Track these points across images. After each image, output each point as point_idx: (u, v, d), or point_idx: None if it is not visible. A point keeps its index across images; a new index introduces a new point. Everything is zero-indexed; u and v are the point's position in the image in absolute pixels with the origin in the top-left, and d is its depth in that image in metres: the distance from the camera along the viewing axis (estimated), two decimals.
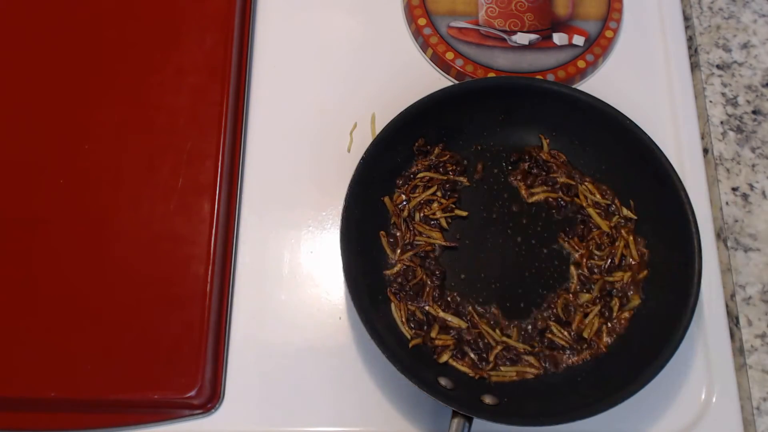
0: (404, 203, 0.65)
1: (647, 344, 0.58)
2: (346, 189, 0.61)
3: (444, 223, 0.65)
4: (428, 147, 0.68)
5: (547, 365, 0.61)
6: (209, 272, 0.62)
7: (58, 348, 0.60)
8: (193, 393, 0.59)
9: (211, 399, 0.60)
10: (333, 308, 0.65)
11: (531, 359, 0.61)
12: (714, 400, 0.62)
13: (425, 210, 0.65)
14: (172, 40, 0.71)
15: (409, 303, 0.62)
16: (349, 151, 0.71)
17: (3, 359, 0.60)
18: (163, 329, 0.60)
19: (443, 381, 0.58)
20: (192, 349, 0.59)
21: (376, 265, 0.63)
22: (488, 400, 0.57)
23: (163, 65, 0.70)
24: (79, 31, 0.72)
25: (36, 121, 0.68)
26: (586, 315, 0.62)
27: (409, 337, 0.61)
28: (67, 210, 0.64)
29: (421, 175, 0.67)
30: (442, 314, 0.61)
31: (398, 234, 0.65)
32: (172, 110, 0.68)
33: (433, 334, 0.61)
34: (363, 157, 0.62)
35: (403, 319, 0.61)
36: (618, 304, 0.62)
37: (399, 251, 0.64)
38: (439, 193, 0.66)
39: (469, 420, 0.54)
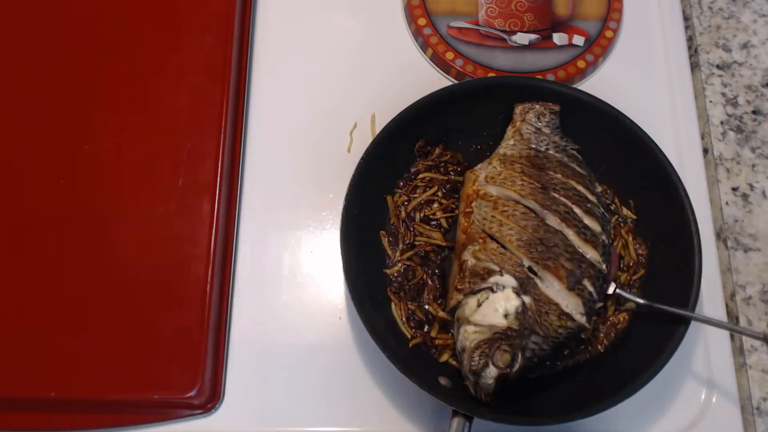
0: (405, 204, 0.65)
1: (647, 344, 0.58)
2: (346, 189, 0.61)
3: (445, 224, 0.65)
4: (429, 148, 0.68)
5: (546, 365, 0.60)
6: (209, 272, 0.62)
7: (58, 348, 0.60)
8: (193, 393, 0.59)
9: (211, 399, 0.60)
10: (333, 308, 0.65)
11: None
12: (714, 400, 0.62)
13: (426, 210, 0.65)
14: (172, 40, 0.71)
15: (410, 302, 0.62)
16: (349, 151, 0.71)
17: (3, 359, 0.60)
18: (163, 329, 0.60)
19: (443, 380, 0.58)
20: (192, 349, 0.59)
21: (376, 264, 0.63)
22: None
23: (163, 65, 0.70)
24: (80, 31, 0.72)
25: (36, 121, 0.68)
26: None
27: (409, 336, 0.61)
28: (67, 210, 0.64)
29: (422, 175, 0.67)
30: (441, 314, 0.61)
31: (399, 234, 0.65)
32: (172, 110, 0.68)
33: (433, 334, 0.61)
34: (363, 157, 0.62)
35: (404, 319, 0.61)
36: (614, 303, 0.62)
37: (399, 251, 0.64)
38: (440, 194, 0.66)
39: (470, 419, 0.54)
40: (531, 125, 0.64)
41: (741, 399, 0.63)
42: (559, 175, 0.61)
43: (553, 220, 0.59)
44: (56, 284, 0.62)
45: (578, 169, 0.63)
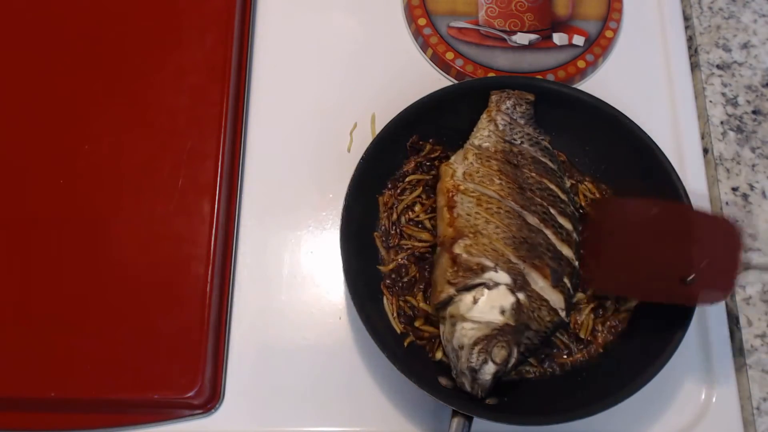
0: (395, 206, 0.65)
1: (647, 344, 0.58)
2: (346, 189, 0.61)
3: (428, 225, 0.64)
4: (421, 143, 0.67)
5: (546, 365, 0.61)
6: (209, 272, 0.62)
7: (58, 348, 0.60)
8: (193, 393, 0.59)
9: (211, 399, 0.60)
10: (333, 308, 0.65)
11: (530, 358, 0.61)
12: (714, 400, 0.62)
13: (410, 213, 0.65)
14: (172, 40, 0.71)
15: (400, 298, 0.62)
16: (349, 151, 0.71)
17: (3, 359, 0.60)
18: (163, 329, 0.60)
19: (443, 380, 0.58)
20: (192, 349, 0.59)
21: (376, 264, 0.63)
22: (488, 399, 0.57)
23: (163, 65, 0.70)
24: (80, 31, 0.72)
25: (36, 121, 0.68)
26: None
27: (399, 331, 0.61)
28: (67, 210, 0.64)
29: (409, 178, 0.66)
30: (423, 305, 0.61)
31: (389, 236, 0.64)
32: (172, 110, 0.68)
33: (417, 324, 0.60)
34: (363, 157, 0.62)
35: (394, 314, 0.61)
36: (613, 303, 0.62)
37: (393, 252, 0.63)
38: (423, 195, 0.65)
39: (469, 419, 0.54)
40: (506, 115, 0.64)
41: (741, 399, 0.63)
42: (533, 174, 0.63)
43: (533, 220, 0.60)
44: (56, 284, 0.62)
45: (550, 164, 0.64)
